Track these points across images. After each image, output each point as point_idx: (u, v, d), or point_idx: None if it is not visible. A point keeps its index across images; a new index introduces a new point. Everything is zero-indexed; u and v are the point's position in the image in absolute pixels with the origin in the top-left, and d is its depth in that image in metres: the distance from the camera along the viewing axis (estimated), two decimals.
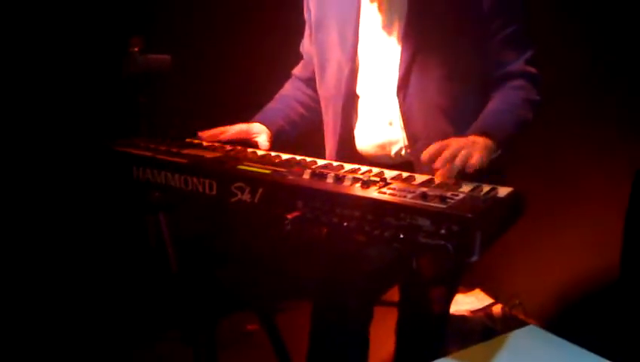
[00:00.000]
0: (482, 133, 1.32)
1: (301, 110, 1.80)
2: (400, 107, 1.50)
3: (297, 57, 1.88)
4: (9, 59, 2.35)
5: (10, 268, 2.45)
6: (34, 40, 2.38)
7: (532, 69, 1.48)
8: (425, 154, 1.23)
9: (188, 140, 1.64)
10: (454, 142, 1.25)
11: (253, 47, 2.71)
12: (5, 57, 2.34)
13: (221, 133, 1.62)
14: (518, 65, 1.47)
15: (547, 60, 1.54)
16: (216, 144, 1.60)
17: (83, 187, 2.40)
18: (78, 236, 2.56)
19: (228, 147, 1.57)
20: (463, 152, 1.21)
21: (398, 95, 1.49)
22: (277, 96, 1.84)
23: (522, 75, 1.48)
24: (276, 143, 1.69)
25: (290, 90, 1.85)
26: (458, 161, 1.20)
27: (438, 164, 1.20)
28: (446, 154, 1.21)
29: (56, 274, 2.53)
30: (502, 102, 1.45)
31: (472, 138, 1.29)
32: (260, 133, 1.67)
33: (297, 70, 1.87)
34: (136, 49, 2.04)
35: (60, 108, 2.44)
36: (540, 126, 1.53)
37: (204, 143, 1.61)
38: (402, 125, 1.52)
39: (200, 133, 1.62)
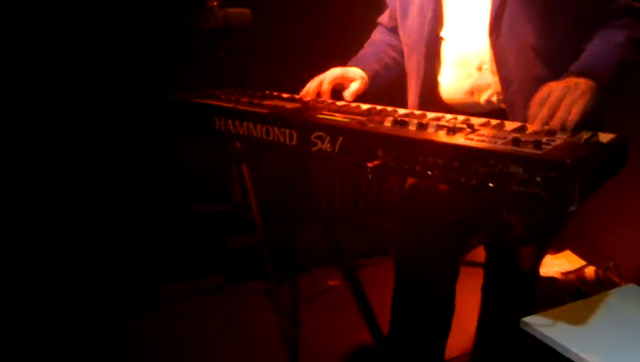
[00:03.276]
0: (582, 73, 1.21)
1: (393, 54, 1.73)
2: (492, 48, 1.40)
3: (380, 8, 1.81)
4: (88, 11, 2.43)
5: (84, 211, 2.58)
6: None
7: (631, 5, 1.34)
8: (530, 115, 1.17)
9: (268, 92, 1.63)
10: (555, 91, 1.16)
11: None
12: (85, 9, 2.42)
13: (318, 86, 1.57)
14: (623, 1, 1.34)
15: None
16: (296, 96, 1.58)
17: (162, 139, 2.47)
18: (155, 189, 2.66)
19: (307, 95, 1.55)
20: (565, 102, 1.13)
21: (490, 35, 1.39)
22: (367, 42, 1.79)
23: (628, 12, 1.34)
24: (371, 88, 1.64)
25: (379, 36, 1.79)
26: (562, 114, 1.12)
27: (537, 124, 1.13)
28: (544, 112, 1.13)
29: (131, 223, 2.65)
30: (604, 41, 1.33)
31: (573, 80, 1.19)
32: (356, 77, 1.61)
33: (382, 19, 1.81)
34: (215, 3, 2.04)
35: (140, 62, 2.52)
36: None
37: (293, 95, 1.59)
38: (494, 68, 1.42)
39: (302, 92, 1.58)
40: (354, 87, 1.59)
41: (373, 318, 1.99)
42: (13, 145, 2.44)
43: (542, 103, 1.16)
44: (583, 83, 1.18)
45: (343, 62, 1.70)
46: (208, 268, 2.71)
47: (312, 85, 1.58)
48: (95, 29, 2.45)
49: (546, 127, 1.13)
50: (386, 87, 1.75)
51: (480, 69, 1.45)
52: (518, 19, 1.37)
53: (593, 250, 2.76)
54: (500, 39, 1.39)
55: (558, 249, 2.87)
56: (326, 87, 1.56)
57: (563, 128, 1.13)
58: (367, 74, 1.64)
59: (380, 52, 1.73)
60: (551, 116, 1.14)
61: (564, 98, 1.14)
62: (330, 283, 2.71)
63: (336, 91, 1.59)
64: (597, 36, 1.35)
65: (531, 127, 1.14)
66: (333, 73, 1.59)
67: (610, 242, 2.66)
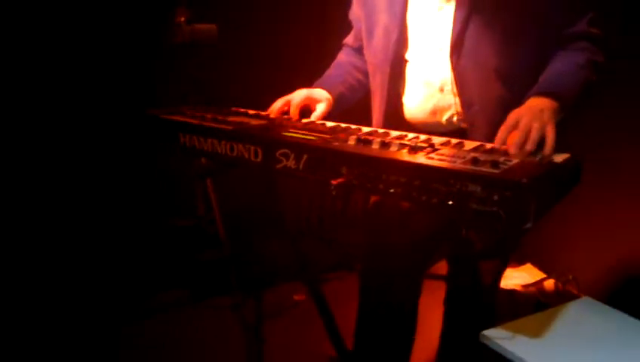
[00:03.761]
0: (545, 93, 1.26)
1: (358, 75, 1.75)
2: (453, 70, 1.44)
3: (347, 27, 1.84)
4: (57, 29, 2.41)
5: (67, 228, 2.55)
6: (88, 12, 2.42)
7: (595, 30, 1.40)
8: (497, 141, 1.20)
9: (234, 109, 1.63)
10: (524, 117, 1.19)
11: (300, 16, 2.68)
12: (53, 28, 2.40)
13: (285, 104, 1.59)
14: (580, 26, 1.39)
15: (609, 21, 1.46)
16: (262, 113, 1.59)
17: (130, 154, 2.45)
18: (121, 202, 2.63)
19: (272, 115, 1.56)
20: (536, 125, 1.17)
21: (451, 57, 1.43)
22: (333, 64, 1.81)
23: (585, 37, 1.40)
24: (335, 110, 1.66)
25: (345, 58, 1.81)
26: (535, 136, 1.16)
27: (512, 150, 1.15)
28: (519, 137, 1.16)
29: (106, 241, 2.61)
30: (566, 62, 1.37)
31: (537, 104, 1.23)
32: (321, 99, 1.63)
33: (349, 40, 1.83)
34: (182, 19, 2.04)
35: (108, 78, 2.50)
36: (600, 90, 1.44)
37: (258, 112, 1.59)
38: (455, 90, 1.46)
39: (268, 111, 1.60)
40: (320, 110, 1.61)
41: (337, 333, 1.99)
42: None
43: (509, 130, 1.19)
44: (547, 107, 1.22)
45: (309, 79, 1.72)
46: (173, 282, 2.69)
47: (277, 105, 1.59)
48: (70, 45, 2.43)
49: (527, 150, 1.15)
50: (352, 105, 1.78)
51: (442, 90, 1.49)
52: (479, 41, 1.40)
53: (553, 263, 2.82)
54: (461, 61, 1.42)
55: (519, 262, 2.93)
56: (294, 110, 1.57)
57: (540, 151, 1.16)
58: (332, 95, 1.65)
59: (344, 73, 1.75)
60: (525, 140, 1.16)
61: (533, 122, 1.18)
62: (296, 297, 2.71)
63: (303, 112, 1.60)
64: (558, 57, 1.39)
65: (512, 155, 1.14)
66: (300, 95, 1.60)
67: (569, 255, 2.73)
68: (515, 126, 1.19)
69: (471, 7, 1.39)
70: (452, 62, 1.43)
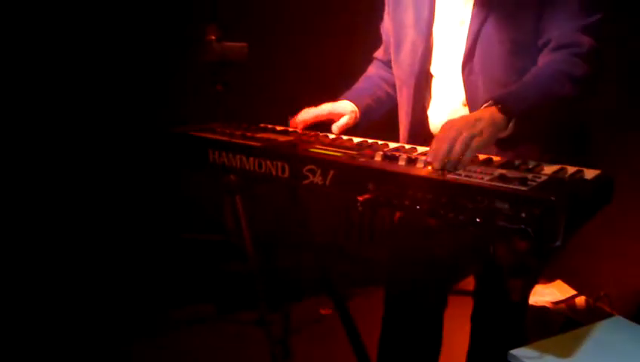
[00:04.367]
0: (494, 103, 1.22)
1: (387, 88, 1.75)
2: (464, 84, 1.45)
3: (377, 42, 1.85)
4: (86, 47, 2.48)
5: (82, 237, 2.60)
6: (117, 28, 2.49)
7: (585, 39, 1.33)
8: (430, 151, 1.16)
9: (262, 125, 1.66)
10: (453, 126, 1.16)
11: (329, 33, 2.70)
12: (82, 46, 2.47)
13: (305, 119, 1.60)
14: (568, 35, 1.34)
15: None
16: (289, 128, 1.61)
17: (157, 169, 2.50)
18: (151, 218, 2.67)
19: (300, 131, 1.58)
20: (463, 136, 1.13)
21: (462, 72, 1.44)
22: (362, 77, 1.82)
23: (571, 45, 1.34)
24: (362, 122, 1.66)
25: (374, 70, 1.82)
26: (459, 148, 1.12)
27: (436, 164, 1.12)
28: (443, 147, 1.13)
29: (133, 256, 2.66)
30: (532, 73, 1.34)
31: (478, 114, 1.20)
32: (345, 113, 1.63)
33: (379, 53, 1.84)
34: (212, 37, 2.09)
35: (137, 95, 2.55)
36: (631, 107, 1.42)
37: (286, 128, 1.61)
38: (468, 103, 1.46)
39: (291, 119, 1.61)
40: (342, 122, 1.61)
41: (362, 348, 1.99)
42: None
43: (441, 139, 1.16)
44: (487, 118, 1.19)
45: (337, 93, 1.73)
46: (200, 296, 2.71)
47: (298, 118, 1.60)
48: (98, 61, 2.49)
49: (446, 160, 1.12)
50: (379, 118, 1.78)
51: (465, 104, 1.49)
52: (488, 56, 1.40)
53: (584, 279, 2.77)
54: (472, 75, 1.43)
55: (549, 279, 2.89)
56: (316, 118, 1.59)
57: (457, 164, 1.13)
58: (358, 107, 1.66)
59: (373, 86, 1.76)
60: (450, 151, 1.13)
61: (461, 133, 1.14)
62: (322, 311, 2.71)
63: (326, 125, 1.61)
64: (533, 68, 1.36)
65: (431, 165, 1.13)
66: (321, 109, 1.62)
67: (601, 272, 2.68)
68: (441, 139, 1.15)
69: (482, 22, 1.40)
70: (463, 76, 1.44)
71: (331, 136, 1.53)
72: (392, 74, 1.73)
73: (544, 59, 1.37)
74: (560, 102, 1.32)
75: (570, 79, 1.30)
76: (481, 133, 1.16)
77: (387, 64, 1.78)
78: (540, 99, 1.28)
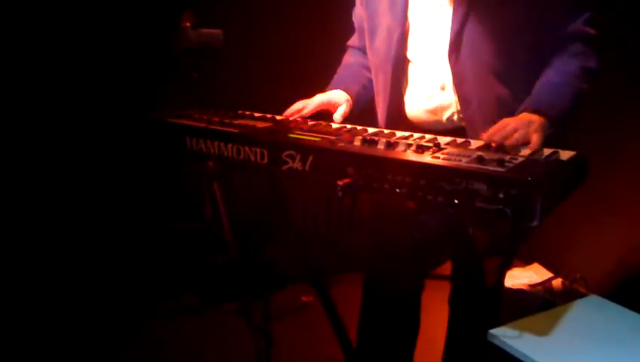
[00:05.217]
0: (535, 110, 1.28)
1: (368, 74, 1.75)
2: (452, 69, 1.45)
3: (350, 30, 1.85)
4: (64, 34, 2.43)
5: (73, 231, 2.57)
6: (92, 16, 2.45)
7: (591, 31, 1.39)
8: (484, 135, 1.23)
9: (240, 112, 1.64)
10: (511, 123, 1.23)
11: (304, 20, 2.69)
12: (60, 33, 2.42)
13: (302, 108, 1.59)
14: (575, 26, 1.39)
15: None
16: (268, 115, 1.60)
17: (135, 157, 2.47)
18: (128, 206, 2.64)
19: (278, 117, 1.57)
20: (520, 132, 1.20)
21: (449, 56, 1.44)
22: (341, 66, 1.81)
23: (581, 38, 1.39)
24: (355, 109, 1.66)
25: (352, 59, 1.81)
26: (513, 141, 1.19)
27: (496, 137, 1.20)
28: (503, 132, 1.20)
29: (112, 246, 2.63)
30: (558, 72, 1.38)
31: (527, 117, 1.26)
32: (341, 102, 1.63)
33: (352, 41, 1.84)
34: (188, 24, 2.06)
35: (113, 83, 2.52)
36: (606, 87, 1.44)
37: (264, 115, 1.60)
38: (454, 88, 1.47)
39: (284, 114, 1.60)
40: (342, 110, 1.61)
41: (344, 334, 2.00)
42: None
43: (499, 127, 1.23)
44: (536, 120, 1.25)
45: (315, 82, 1.72)
46: (180, 287, 2.70)
47: (294, 109, 1.60)
48: (73, 49, 2.45)
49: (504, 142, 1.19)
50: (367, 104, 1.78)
51: (443, 88, 1.50)
52: (476, 40, 1.41)
53: (560, 262, 2.81)
54: (460, 60, 1.43)
55: (526, 261, 2.93)
56: (307, 112, 1.58)
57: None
58: (350, 95, 1.67)
59: (356, 74, 1.75)
60: (505, 137, 1.20)
61: (518, 130, 1.21)
62: (304, 299, 2.71)
63: (322, 115, 1.61)
64: (552, 66, 1.40)
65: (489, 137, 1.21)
66: (319, 99, 1.61)
67: (576, 254, 2.72)
68: (503, 127, 1.23)
69: (469, 5, 1.40)
70: (450, 60, 1.44)
71: (310, 122, 1.53)
72: (368, 61, 1.73)
73: (560, 52, 1.40)
74: (586, 97, 1.38)
75: (588, 74, 1.37)
76: (535, 131, 1.22)
77: (362, 50, 1.78)
78: (572, 99, 1.35)
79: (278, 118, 1.57)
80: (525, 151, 1.15)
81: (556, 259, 2.84)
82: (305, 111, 1.58)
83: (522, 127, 1.21)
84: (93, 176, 2.60)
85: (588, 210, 2.29)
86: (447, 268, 1.79)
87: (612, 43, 1.47)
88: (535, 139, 1.20)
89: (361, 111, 1.71)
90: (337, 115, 1.60)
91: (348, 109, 1.63)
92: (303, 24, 2.69)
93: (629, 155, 2.35)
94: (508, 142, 1.19)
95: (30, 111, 2.46)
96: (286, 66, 2.56)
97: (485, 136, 1.23)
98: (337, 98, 1.64)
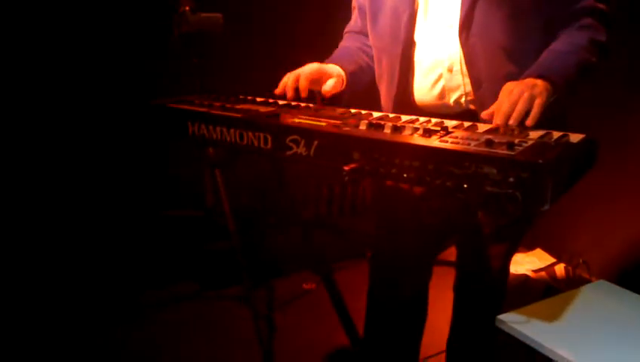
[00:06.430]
0: (539, 75, 1.25)
1: (366, 58, 1.69)
2: (462, 49, 1.42)
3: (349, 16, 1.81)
4: (64, 21, 2.40)
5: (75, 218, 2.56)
6: (92, 2, 2.41)
7: (602, 6, 1.38)
8: (484, 114, 1.21)
9: (242, 96, 1.61)
10: (516, 87, 1.21)
11: (305, 4, 2.66)
12: (60, 19, 2.40)
13: (295, 82, 1.49)
14: (587, 1, 1.37)
15: None
16: (270, 100, 1.57)
17: (135, 144, 2.45)
18: (128, 194, 2.62)
19: (281, 101, 1.54)
20: (525, 96, 1.18)
21: (460, 36, 1.41)
22: (338, 49, 1.73)
23: (591, 13, 1.37)
24: (348, 89, 1.59)
25: (351, 43, 1.74)
26: (522, 107, 1.17)
27: (498, 120, 1.18)
28: (506, 106, 1.18)
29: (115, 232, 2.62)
30: (564, 42, 1.36)
31: (531, 81, 1.23)
32: (333, 74, 1.54)
33: (350, 27, 1.78)
34: (187, 8, 2.03)
35: (112, 69, 2.49)
36: (614, 72, 1.42)
37: (267, 99, 1.56)
38: (464, 69, 1.44)
39: (278, 88, 1.52)
40: (330, 83, 1.52)
41: (349, 320, 2.00)
42: None
43: (505, 98, 1.21)
44: (540, 84, 1.22)
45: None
46: (184, 274, 2.69)
47: (288, 81, 1.51)
48: (72, 36, 2.42)
49: (511, 122, 1.18)
50: (361, 88, 1.73)
51: (451, 70, 1.46)
52: (487, 19, 1.38)
53: (563, 247, 2.81)
54: (470, 39, 1.40)
55: (529, 247, 2.93)
56: (303, 83, 1.48)
57: (523, 123, 1.18)
58: (344, 72, 1.59)
59: (353, 55, 1.69)
60: (512, 110, 1.18)
61: (523, 93, 1.19)
62: (306, 286, 2.71)
63: (312, 93, 1.53)
64: (560, 37, 1.38)
65: (495, 122, 1.18)
66: (310, 68, 1.52)
67: (579, 239, 2.72)
68: (503, 99, 1.21)
69: None
70: (461, 39, 1.41)
71: (314, 107, 1.49)
72: (368, 45, 1.68)
73: (570, 26, 1.38)
74: (593, 70, 1.35)
75: (597, 47, 1.35)
76: (540, 94, 1.20)
77: (362, 34, 1.72)
78: (577, 68, 1.32)
79: (281, 102, 1.54)
80: (534, 134, 1.13)
81: (558, 244, 2.85)
82: (300, 87, 1.48)
83: (527, 90, 1.20)
84: (94, 163, 2.58)
85: (589, 196, 2.28)
86: (451, 254, 1.78)
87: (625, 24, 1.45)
88: (538, 102, 1.19)
89: (354, 97, 1.66)
90: (327, 86, 1.51)
91: (338, 85, 1.55)
92: (304, 7, 2.66)
93: (632, 141, 2.34)
94: (514, 116, 1.17)
95: (30, 98, 2.43)
96: (288, 50, 2.53)
97: (494, 105, 1.21)
98: (330, 70, 1.55)
